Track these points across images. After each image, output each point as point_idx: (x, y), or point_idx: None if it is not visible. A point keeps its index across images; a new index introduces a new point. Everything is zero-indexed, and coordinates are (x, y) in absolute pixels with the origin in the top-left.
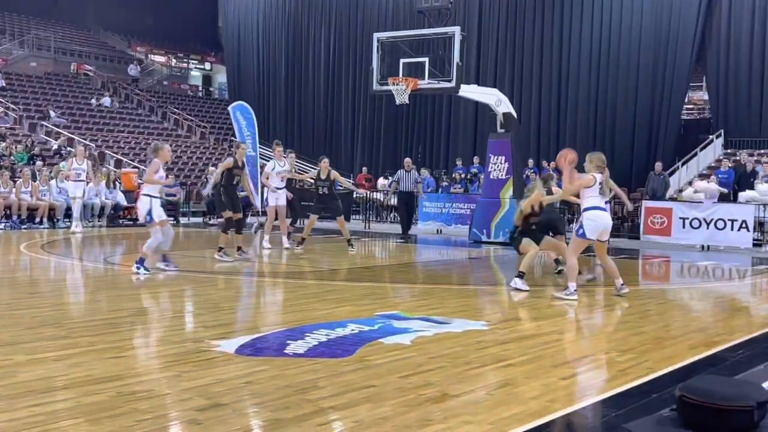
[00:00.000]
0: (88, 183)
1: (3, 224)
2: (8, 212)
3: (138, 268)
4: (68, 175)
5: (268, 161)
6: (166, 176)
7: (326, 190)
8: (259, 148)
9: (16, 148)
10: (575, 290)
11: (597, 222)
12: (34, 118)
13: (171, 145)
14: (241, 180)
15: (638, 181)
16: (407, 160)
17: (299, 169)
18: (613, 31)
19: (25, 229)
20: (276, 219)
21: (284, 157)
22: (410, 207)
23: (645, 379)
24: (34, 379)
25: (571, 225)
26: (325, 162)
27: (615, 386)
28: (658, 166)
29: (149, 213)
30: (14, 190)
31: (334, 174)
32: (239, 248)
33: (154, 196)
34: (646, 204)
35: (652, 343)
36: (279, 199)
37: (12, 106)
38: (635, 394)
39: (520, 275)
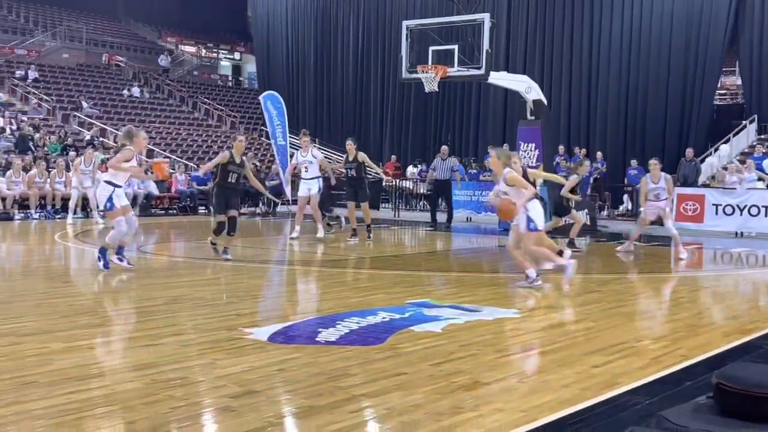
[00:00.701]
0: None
1: (38, 214)
2: (43, 202)
3: (99, 259)
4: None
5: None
6: (140, 164)
7: (354, 173)
8: (289, 137)
9: (49, 138)
10: (538, 276)
11: (540, 211)
12: (66, 109)
13: (202, 135)
14: (245, 176)
15: (670, 168)
16: (444, 147)
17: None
18: (644, 16)
19: (59, 218)
20: (310, 209)
21: (311, 146)
22: (447, 196)
23: (679, 367)
24: (70, 366)
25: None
26: (349, 143)
27: (648, 374)
28: (690, 152)
29: (109, 200)
30: (49, 180)
31: (362, 156)
32: (225, 249)
33: (117, 185)
34: (678, 191)
35: (686, 330)
36: (311, 189)
37: (45, 97)
38: (669, 381)
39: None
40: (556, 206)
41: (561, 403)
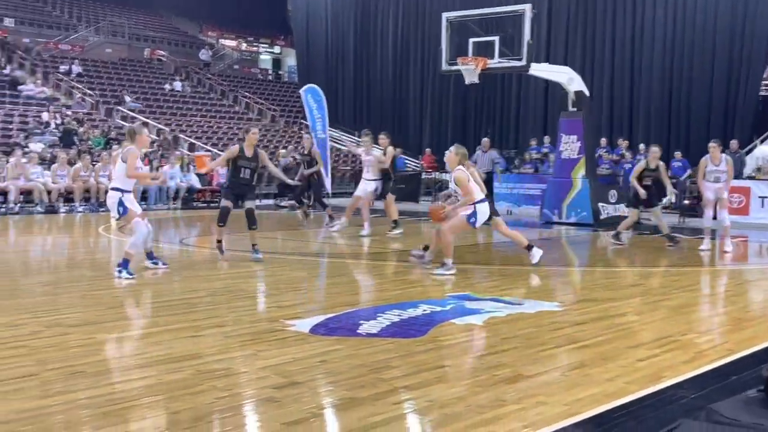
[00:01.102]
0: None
1: (82, 207)
2: (87, 195)
3: (120, 272)
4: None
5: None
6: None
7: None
8: (329, 130)
9: (93, 132)
10: (453, 265)
11: (486, 214)
12: (110, 104)
13: (242, 128)
14: (263, 171)
15: None
16: (485, 140)
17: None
18: (688, 6)
19: (103, 211)
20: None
21: (373, 146)
22: (488, 189)
23: (725, 361)
24: (115, 357)
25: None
26: (383, 138)
27: (694, 368)
28: (734, 144)
29: (120, 204)
30: (93, 173)
31: (391, 151)
32: (254, 247)
33: (126, 191)
34: None
35: (732, 324)
36: (367, 188)
37: (89, 91)
38: (715, 375)
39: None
40: (629, 199)
41: (605, 396)
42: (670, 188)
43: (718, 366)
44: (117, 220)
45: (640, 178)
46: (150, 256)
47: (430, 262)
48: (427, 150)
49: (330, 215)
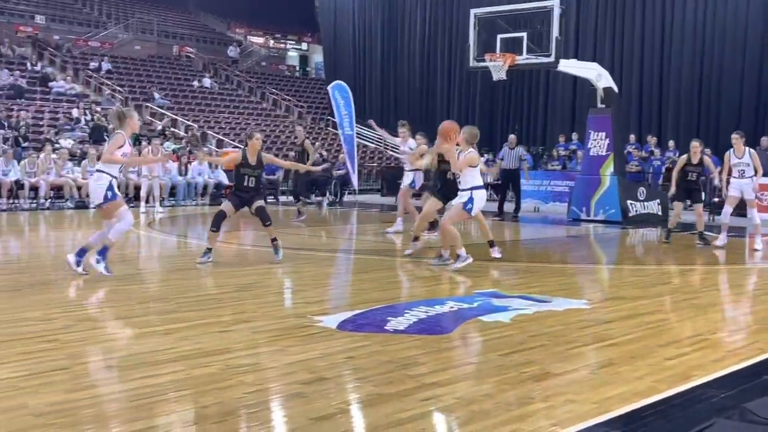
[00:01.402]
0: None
1: None
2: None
3: (98, 262)
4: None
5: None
6: (157, 154)
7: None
8: (356, 127)
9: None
10: (467, 254)
11: (483, 201)
12: (139, 100)
13: (270, 125)
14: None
15: None
16: (511, 137)
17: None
18: (719, 0)
19: (132, 207)
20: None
21: (410, 137)
22: (515, 185)
23: (756, 360)
24: (144, 351)
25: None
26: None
27: (725, 366)
28: (765, 141)
29: (110, 189)
30: (123, 169)
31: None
32: (275, 245)
33: (113, 176)
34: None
35: (763, 323)
36: (403, 181)
37: (118, 88)
38: (747, 375)
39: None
40: (673, 193)
41: (634, 395)
42: (716, 182)
43: (749, 365)
44: (98, 206)
45: (682, 173)
46: (81, 253)
47: (448, 259)
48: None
49: (300, 210)
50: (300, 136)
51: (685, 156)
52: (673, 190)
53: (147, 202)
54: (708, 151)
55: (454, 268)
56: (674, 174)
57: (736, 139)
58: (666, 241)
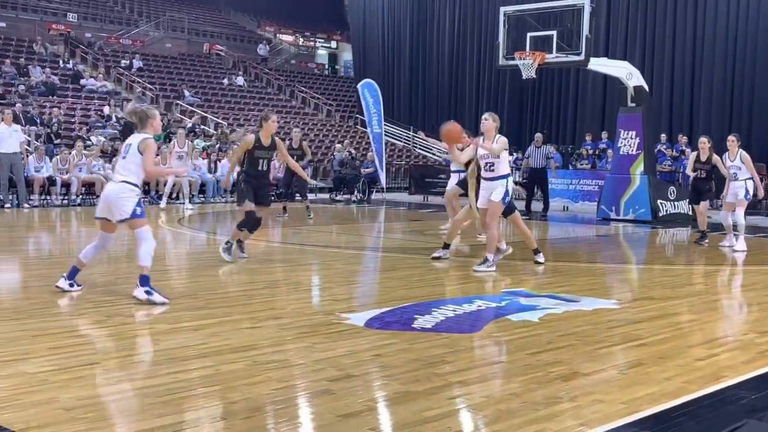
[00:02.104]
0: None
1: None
2: (147, 188)
3: (150, 294)
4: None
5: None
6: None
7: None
8: (384, 125)
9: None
10: (494, 262)
11: (511, 188)
12: (169, 98)
13: (299, 123)
14: (281, 161)
15: None
16: (538, 135)
17: (425, 146)
18: None
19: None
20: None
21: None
22: (543, 184)
23: None
24: (174, 347)
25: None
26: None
27: (755, 368)
28: None
29: (139, 205)
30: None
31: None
32: (240, 243)
33: (139, 188)
34: None
35: None
36: (451, 181)
37: (149, 86)
38: None
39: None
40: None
41: (663, 395)
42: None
43: None
44: (122, 222)
45: (694, 171)
46: (74, 272)
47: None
48: None
49: (284, 207)
50: (296, 138)
51: (695, 153)
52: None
53: (177, 198)
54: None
55: (476, 269)
56: (689, 172)
57: (731, 141)
58: (699, 243)
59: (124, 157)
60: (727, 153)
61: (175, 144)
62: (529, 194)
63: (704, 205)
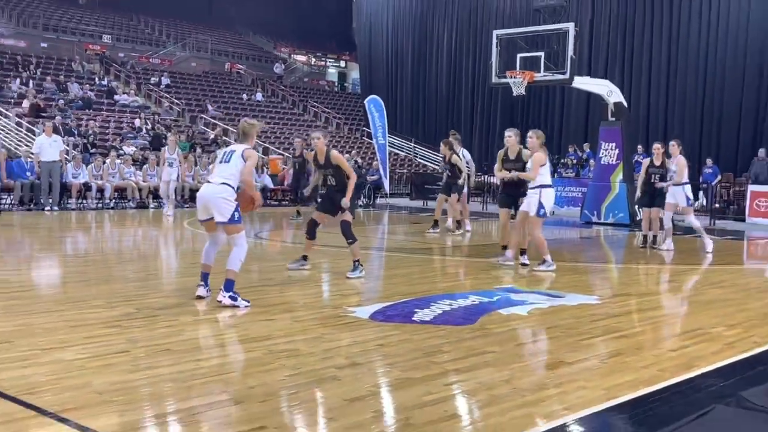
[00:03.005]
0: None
1: None
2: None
3: (234, 299)
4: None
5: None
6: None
7: (449, 173)
8: (388, 137)
9: (179, 137)
10: (552, 261)
11: (552, 197)
12: (194, 112)
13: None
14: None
15: (744, 167)
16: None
17: (423, 156)
18: (721, 22)
19: (187, 207)
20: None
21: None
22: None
23: (752, 353)
24: (197, 337)
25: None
26: (443, 147)
27: (723, 358)
28: (762, 152)
29: (237, 210)
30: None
31: (455, 158)
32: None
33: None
34: (752, 188)
35: (759, 319)
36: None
37: (176, 101)
38: (743, 366)
39: None
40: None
41: (640, 383)
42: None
43: (745, 357)
44: (220, 224)
45: (646, 176)
46: (229, 286)
47: (552, 264)
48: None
49: (298, 211)
50: (298, 148)
51: (648, 159)
52: (638, 194)
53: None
54: (709, 160)
55: (535, 269)
56: (640, 177)
57: (673, 146)
58: (642, 247)
59: (226, 162)
60: (672, 158)
61: (165, 150)
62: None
63: (657, 210)
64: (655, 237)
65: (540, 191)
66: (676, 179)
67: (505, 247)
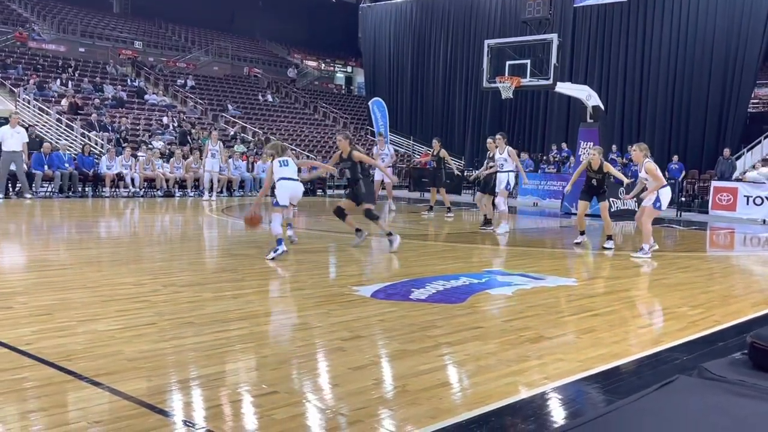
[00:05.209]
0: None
1: (193, 193)
2: (197, 183)
3: (276, 251)
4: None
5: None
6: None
7: (435, 164)
8: (389, 134)
9: (203, 133)
10: (650, 250)
11: (668, 196)
12: (216, 111)
13: (320, 133)
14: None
15: (708, 164)
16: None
17: (424, 153)
18: (689, 33)
19: (191, 196)
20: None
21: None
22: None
23: (712, 330)
24: (217, 311)
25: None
26: (435, 142)
27: (687, 335)
28: (726, 152)
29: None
30: (202, 166)
31: (443, 152)
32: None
33: None
34: (715, 184)
35: (719, 300)
36: (501, 182)
37: (199, 101)
38: (704, 342)
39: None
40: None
41: (612, 356)
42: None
43: (707, 334)
44: (278, 205)
45: (586, 178)
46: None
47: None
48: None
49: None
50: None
51: (587, 162)
52: (567, 188)
53: (219, 191)
54: (675, 157)
55: (633, 256)
56: (574, 174)
57: (634, 151)
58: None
59: (287, 166)
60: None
61: (209, 143)
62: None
63: (585, 204)
64: (581, 234)
65: (659, 190)
66: (654, 186)
67: (583, 233)
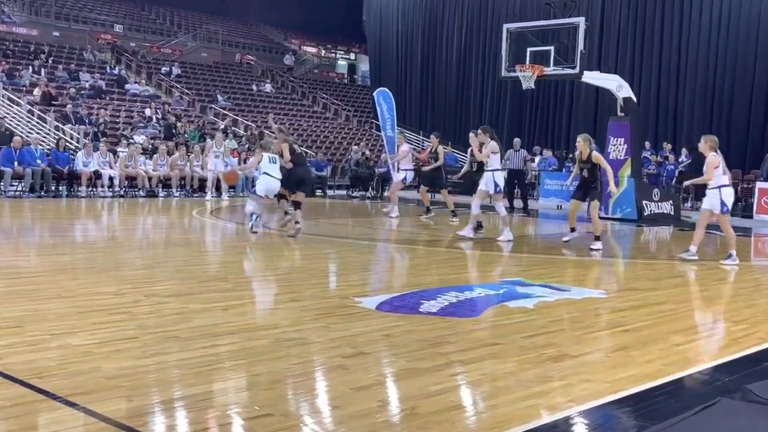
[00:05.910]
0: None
1: (178, 192)
2: (182, 182)
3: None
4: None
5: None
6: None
7: (433, 162)
8: (397, 129)
9: (189, 127)
10: (736, 256)
11: (731, 196)
12: (204, 102)
13: (320, 126)
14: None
15: (753, 163)
16: (516, 140)
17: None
18: (732, 16)
19: (196, 197)
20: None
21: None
22: (521, 184)
23: (758, 348)
24: (205, 324)
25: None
26: (433, 137)
27: (729, 353)
28: None
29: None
30: (188, 163)
31: (440, 149)
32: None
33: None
34: (760, 185)
35: (765, 315)
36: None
37: (186, 91)
38: (749, 361)
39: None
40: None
41: (644, 376)
42: (611, 186)
43: (751, 353)
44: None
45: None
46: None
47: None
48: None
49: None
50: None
51: (578, 152)
52: (568, 181)
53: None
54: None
55: (722, 263)
56: (574, 170)
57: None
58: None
59: (275, 163)
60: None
61: (213, 145)
62: (509, 193)
63: (576, 204)
64: (571, 229)
65: (719, 190)
66: (699, 178)
67: (598, 238)
